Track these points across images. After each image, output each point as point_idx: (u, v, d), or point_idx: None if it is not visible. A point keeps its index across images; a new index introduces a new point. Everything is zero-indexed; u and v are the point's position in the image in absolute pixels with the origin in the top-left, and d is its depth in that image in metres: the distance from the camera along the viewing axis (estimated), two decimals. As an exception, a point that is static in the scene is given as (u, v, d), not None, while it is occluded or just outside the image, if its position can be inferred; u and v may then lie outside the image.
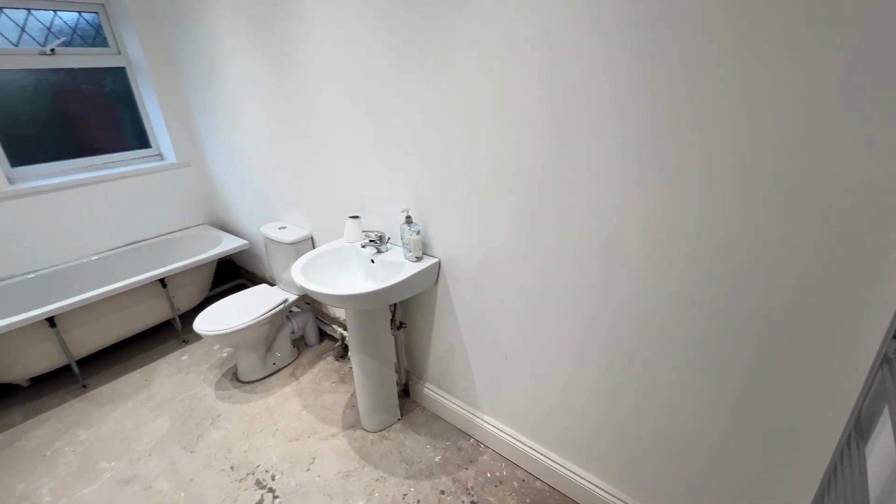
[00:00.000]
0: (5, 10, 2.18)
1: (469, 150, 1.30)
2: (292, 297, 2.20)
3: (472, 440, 1.75)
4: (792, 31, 0.73)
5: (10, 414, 2.04)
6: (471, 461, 1.66)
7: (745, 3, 0.76)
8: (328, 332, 2.48)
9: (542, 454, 1.53)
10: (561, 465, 1.48)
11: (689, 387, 1.09)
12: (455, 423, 1.82)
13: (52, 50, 2.32)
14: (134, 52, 2.55)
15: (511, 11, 1.05)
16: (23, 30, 2.26)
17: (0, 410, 2.06)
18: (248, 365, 2.15)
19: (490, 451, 1.69)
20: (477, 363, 1.63)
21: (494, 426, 1.66)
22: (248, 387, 2.14)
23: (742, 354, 0.97)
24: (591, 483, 1.41)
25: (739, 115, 0.82)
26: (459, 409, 1.77)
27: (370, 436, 1.80)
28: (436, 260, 1.57)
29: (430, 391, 1.88)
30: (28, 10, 2.25)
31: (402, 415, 1.88)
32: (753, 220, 0.87)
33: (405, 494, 1.54)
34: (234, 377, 2.20)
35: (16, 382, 2.15)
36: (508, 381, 1.55)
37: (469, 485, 1.56)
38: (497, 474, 1.60)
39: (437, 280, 1.62)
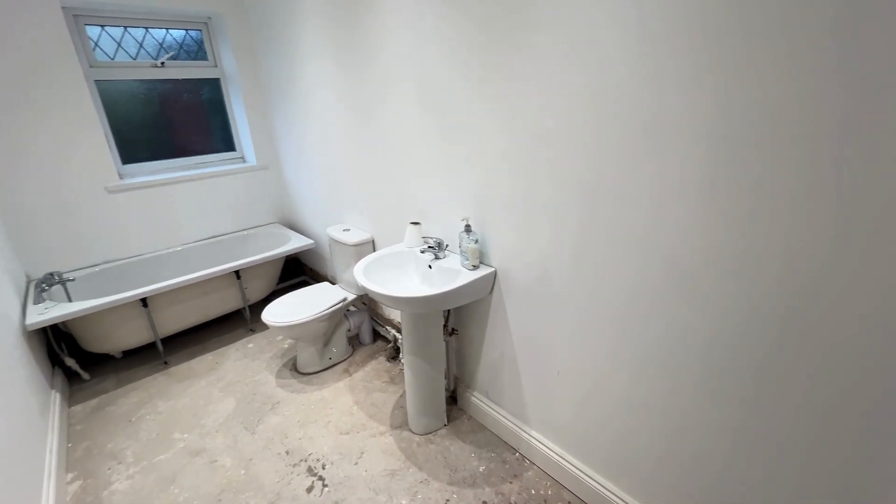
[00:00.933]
0: (129, 29, 2.52)
1: (531, 164, 1.31)
2: (351, 297, 2.31)
3: (517, 454, 1.73)
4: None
5: (105, 381, 2.31)
6: (515, 475, 1.64)
7: (832, 13, 0.72)
8: (382, 332, 2.56)
9: (592, 478, 1.48)
10: (614, 494, 1.42)
11: (761, 423, 1.01)
12: (501, 435, 1.81)
13: (163, 63, 2.64)
14: (228, 65, 2.83)
15: (579, 30, 1.06)
16: (141, 45, 2.59)
17: (97, 377, 2.34)
18: (307, 357, 2.28)
19: (536, 467, 1.66)
20: (527, 376, 1.62)
21: (542, 442, 1.63)
22: (306, 378, 2.26)
23: (828, 396, 0.89)
24: (642, 514, 1.34)
25: (829, 128, 0.77)
26: (506, 421, 1.76)
27: (416, 438, 1.83)
28: (492, 269, 1.58)
29: (478, 400, 1.88)
30: (146, 28, 2.58)
31: (448, 421, 1.90)
32: (847, 251, 0.80)
33: (448, 500, 1.55)
34: (294, 368, 2.34)
35: (111, 353, 2.44)
36: (559, 397, 1.52)
37: (512, 499, 1.54)
38: (542, 493, 1.56)
39: (492, 289, 1.63)
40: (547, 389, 1.55)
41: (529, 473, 1.64)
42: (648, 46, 0.96)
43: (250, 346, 2.59)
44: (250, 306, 2.77)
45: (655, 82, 0.97)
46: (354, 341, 2.54)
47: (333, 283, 2.50)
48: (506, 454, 1.73)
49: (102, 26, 2.43)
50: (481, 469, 1.67)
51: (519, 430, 1.71)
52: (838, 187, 0.78)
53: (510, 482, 1.61)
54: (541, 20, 1.15)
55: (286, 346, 2.56)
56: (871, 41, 0.70)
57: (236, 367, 2.39)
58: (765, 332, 0.94)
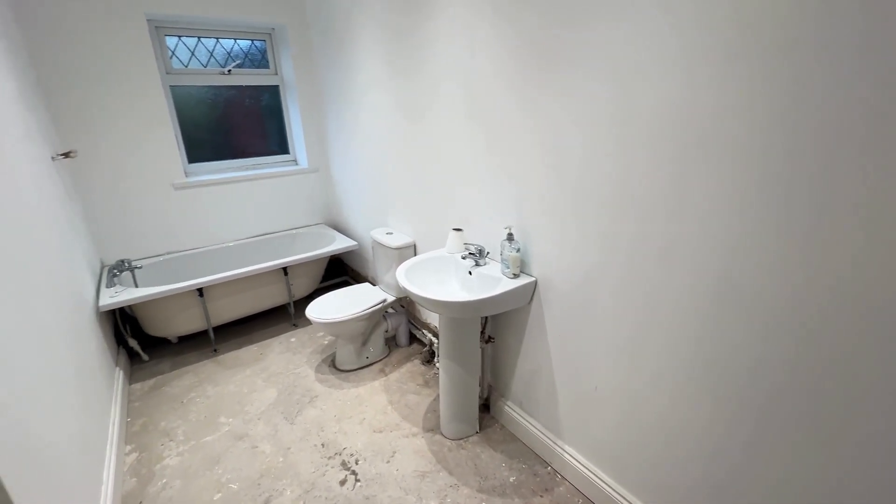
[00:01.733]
0: (202, 40, 2.73)
1: (576, 176, 1.30)
2: (390, 298, 2.37)
3: (549, 468, 1.70)
4: None
5: (162, 363, 2.48)
6: (546, 489, 1.61)
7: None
8: (418, 336, 2.60)
9: (627, 500, 1.43)
10: (647, 516, 1.37)
11: (817, 457, 0.95)
12: (533, 448, 1.78)
13: (229, 71, 2.83)
14: (287, 73, 3.00)
15: (632, 42, 1.05)
16: (211, 54, 2.80)
17: (155, 359, 2.52)
18: (345, 355, 2.35)
19: (567, 483, 1.63)
20: (563, 389, 1.59)
21: (575, 458, 1.60)
22: (343, 375, 2.33)
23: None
24: (680, 543, 1.28)
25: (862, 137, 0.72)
26: (539, 433, 1.74)
27: (448, 442, 1.84)
28: (532, 279, 1.58)
29: (511, 410, 1.87)
30: (217, 38, 2.79)
31: (480, 428, 1.90)
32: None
33: (476, 507, 1.55)
34: (332, 364, 2.42)
35: (168, 338, 2.62)
36: (596, 413, 1.48)
37: (542, 513, 1.52)
38: (573, 509, 1.53)
39: (531, 299, 1.62)
40: (583, 404, 1.52)
41: (561, 489, 1.61)
42: (689, 65, 0.94)
43: (293, 340, 2.70)
44: (294, 302, 2.89)
45: (695, 101, 0.95)
46: (391, 342, 2.60)
47: (374, 285, 2.58)
48: (537, 467, 1.71)
49: (179, 37, 2.65)
50: (511, 479, 1.66)
51: (552, 444, 1.68)
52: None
53: (541, 496, 1.59)
54: (587, 42, 1.17)
55: (326, 342, 2.65)
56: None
57: (279, 359, 2.50)
58: (820, 355, 0.89)
